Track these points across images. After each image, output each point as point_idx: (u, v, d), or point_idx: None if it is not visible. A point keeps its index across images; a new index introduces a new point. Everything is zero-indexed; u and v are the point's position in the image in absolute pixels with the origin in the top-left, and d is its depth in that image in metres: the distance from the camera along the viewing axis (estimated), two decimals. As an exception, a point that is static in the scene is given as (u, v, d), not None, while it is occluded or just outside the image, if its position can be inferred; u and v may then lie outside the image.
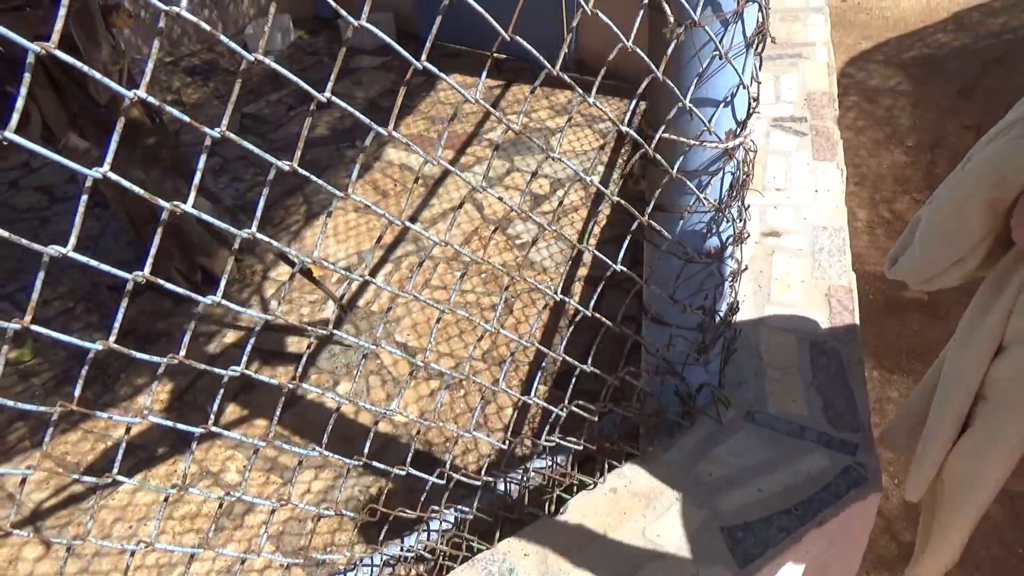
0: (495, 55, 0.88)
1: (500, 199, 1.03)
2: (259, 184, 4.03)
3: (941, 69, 4.90)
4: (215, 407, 0.99)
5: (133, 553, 0.98)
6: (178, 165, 3.17)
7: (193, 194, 0.80)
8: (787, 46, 3.12)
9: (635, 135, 1.11)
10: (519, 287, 3.17)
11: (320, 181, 0.86)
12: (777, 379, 1.62)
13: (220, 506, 1.13)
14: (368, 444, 1.20)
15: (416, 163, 4.14)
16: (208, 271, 3.32)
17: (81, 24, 2.81)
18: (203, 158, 0.74)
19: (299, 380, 1.01)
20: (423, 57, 0.81)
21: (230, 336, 3.16)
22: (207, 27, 0.68)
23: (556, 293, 1.13)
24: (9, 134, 0.62)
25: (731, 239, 1.37)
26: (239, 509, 2.52)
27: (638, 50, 1.01)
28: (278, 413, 1.04)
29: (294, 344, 3.09)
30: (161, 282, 0.78)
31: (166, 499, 1.00)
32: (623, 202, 1.16)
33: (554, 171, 3.94)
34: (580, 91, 0.99)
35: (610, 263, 1.19)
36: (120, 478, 0.89)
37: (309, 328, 0.99)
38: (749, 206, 1.56)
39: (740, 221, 1.38)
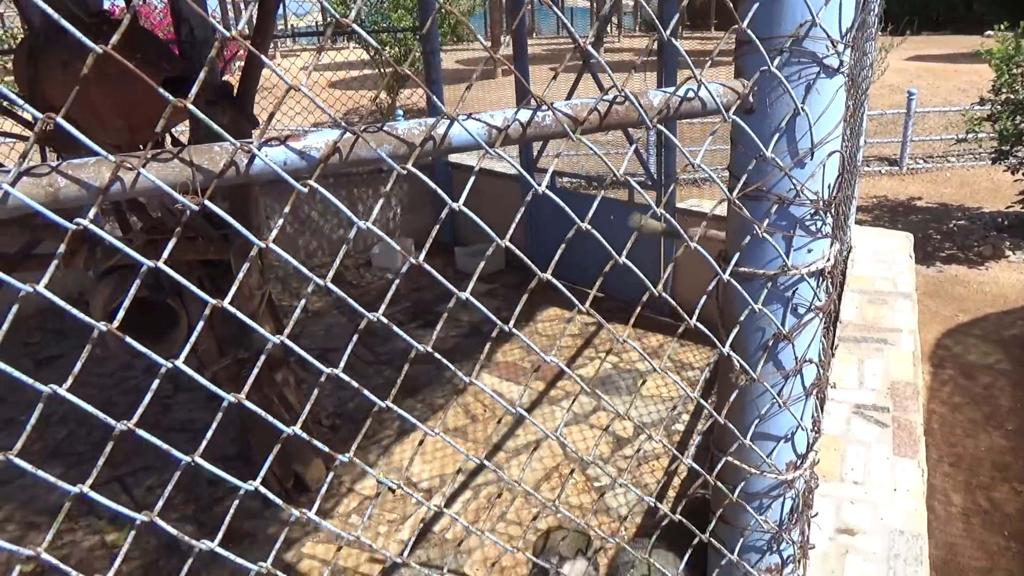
0: (594, 292, 1.03)
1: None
2: (361, 395, 4.32)
3: (1044, 351, 4.84)
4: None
5: None
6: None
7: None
8: (873, 329, 3.25)
9: (698, 467, 1.24)
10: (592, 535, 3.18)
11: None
12: None
13: None
14: None
15: (508, 391, 4.35)
16: (301, 478, 3.53)
17: (238, 252, 3.30)
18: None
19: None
20: (549, 270, 0.98)
21: (308, 547, 3.27)
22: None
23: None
24: (178, 362, 0.82)
25: (791, 558, 1.43)
26: None
27: (706, 405, 1.17)
28: None
29: (365, 565, 3.17)
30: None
31: None
32: (685, 521, 1.27)
33: (639, 415, 4.04)
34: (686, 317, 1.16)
35: None
36: None
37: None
38: (817, 514, 1.62)
39: (800, 543, 1.45)
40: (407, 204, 6.60)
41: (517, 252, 0.99)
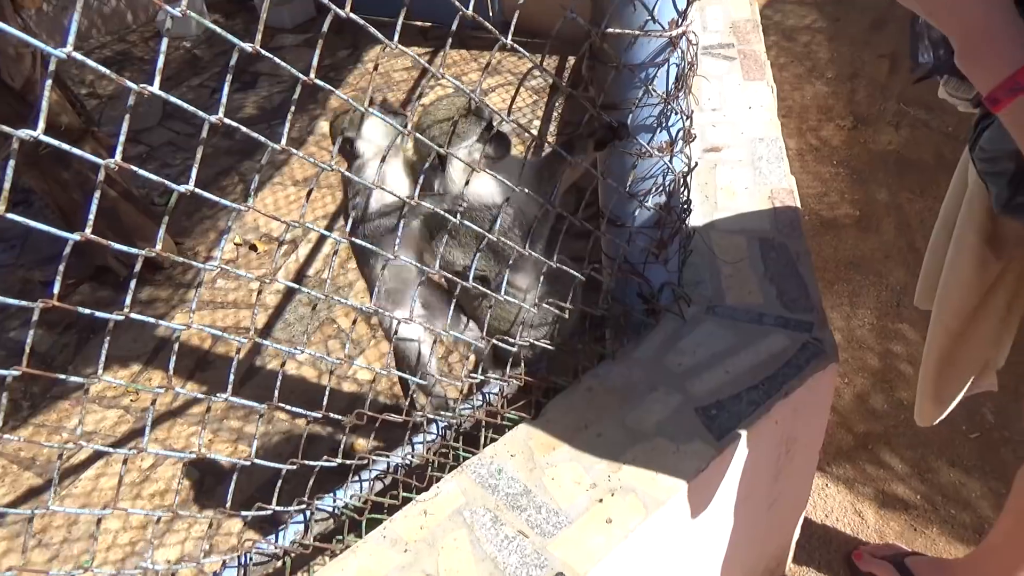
0: (419, 23, 0.87)
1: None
2: (189, 170, 3.92)
3: (853, 5, 5.08)
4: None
5: (100, 521, 0.96)
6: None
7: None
8: (708, -19, 3.20)
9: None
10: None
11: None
12: (731, 275, 1.68)
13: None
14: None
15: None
16: (147, 257, 3.24)
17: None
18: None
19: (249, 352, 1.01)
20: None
21: (179, 318, 3.09)
22: None
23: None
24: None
25: (680, 132, 1.42)
26: (210, 483, 2.48)
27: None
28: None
29: (246, 319, 3.04)
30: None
31: (124, 461, 0.98)
32: (574, 92, 1.20)
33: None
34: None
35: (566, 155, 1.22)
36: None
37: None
38: (692, 111, 1.61)
39: (687, 117, 1.43)
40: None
41: None
